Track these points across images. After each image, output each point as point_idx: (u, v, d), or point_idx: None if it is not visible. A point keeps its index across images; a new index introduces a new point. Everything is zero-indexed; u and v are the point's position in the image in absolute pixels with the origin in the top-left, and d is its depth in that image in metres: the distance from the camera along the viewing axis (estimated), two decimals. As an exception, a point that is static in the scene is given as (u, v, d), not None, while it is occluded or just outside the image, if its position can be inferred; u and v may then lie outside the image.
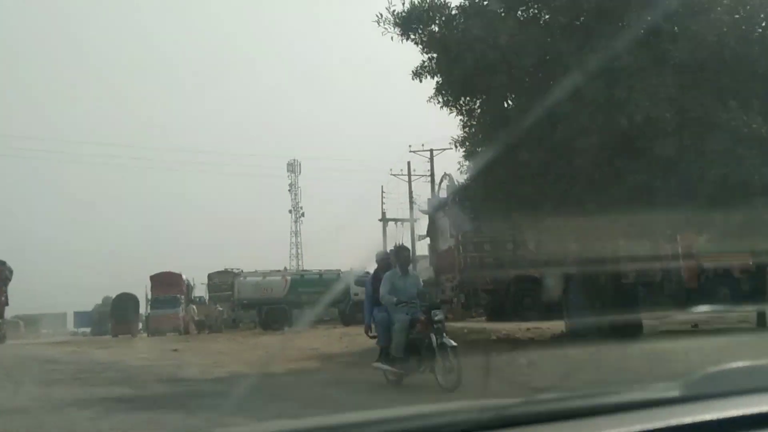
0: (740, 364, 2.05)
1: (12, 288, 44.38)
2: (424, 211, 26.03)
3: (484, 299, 23.27)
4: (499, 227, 20.87)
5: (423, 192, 50.14)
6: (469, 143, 14.85)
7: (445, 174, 25.47)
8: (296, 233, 75.14)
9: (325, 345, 16.95)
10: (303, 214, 74.79)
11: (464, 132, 15.15)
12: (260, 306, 34.15)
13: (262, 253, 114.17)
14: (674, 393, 1.94)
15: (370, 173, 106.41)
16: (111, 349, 20.93)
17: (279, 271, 35.17)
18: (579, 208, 12.83)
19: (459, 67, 13.17)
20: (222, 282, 57.31)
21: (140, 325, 53.37)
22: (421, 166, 47.93)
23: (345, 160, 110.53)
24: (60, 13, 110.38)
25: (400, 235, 45.19)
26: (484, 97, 14.11)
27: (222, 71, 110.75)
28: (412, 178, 45.04)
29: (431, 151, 41.48)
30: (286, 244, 74.07)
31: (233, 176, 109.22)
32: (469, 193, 15.25)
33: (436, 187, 25.90)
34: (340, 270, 36.58)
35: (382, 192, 45.58)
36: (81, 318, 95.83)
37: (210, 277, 57.83)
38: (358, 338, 17.66)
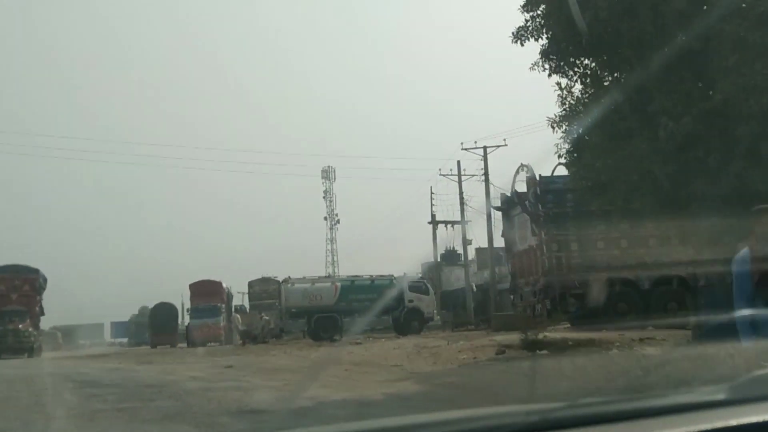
0: None
1: (48, 298, 42.76)
2: (497, 208, 23.38)
3: (572, 304, 20.53)
4: (593, 222, 18.29)
5: (474, 192, 47.53)
6: (583, 115, 12.28)
7: (523, 165, 22.84)
8: (332, 240, 74.87)
9: (406, 361, 14.41)
10: (338, 221, 74.46)
11: (573, 104, 12.62)
12: (309, 314, 31.78)
13: (296, 260, 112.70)
14: (720, 396, 1.94)
15: (411, 174, 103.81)
16: (155, 364, 18.59)
17: (328, 277, 32.82)
18: (738, 189, 10.20)
19: (587, 15, 10.59)
20: (263, 290, 55.26)
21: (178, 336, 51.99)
22: (471, 164, 45.31)
23: (385, 159, 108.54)
24: (96, 12, 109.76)
25: (451, 239, 42.71)
26: (614, 53, 11.49)
27: (263, 72, 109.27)
28: (462, 178, 42.56)
29: (485, 148, 38.94)
30: (321, 252, 73.18)
31: (269, 178, 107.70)
32: (585, 175, 12.63)
33: (512, 179, 23.19)
34: (392, 275, 34.11)
35: (432, 193, 43.04)
36: (118, 328, 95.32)
37: (250, 284, 55.83)
38: (440, 352, 15.15)
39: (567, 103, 12.81)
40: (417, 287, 33.45)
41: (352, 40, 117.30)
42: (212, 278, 53.39)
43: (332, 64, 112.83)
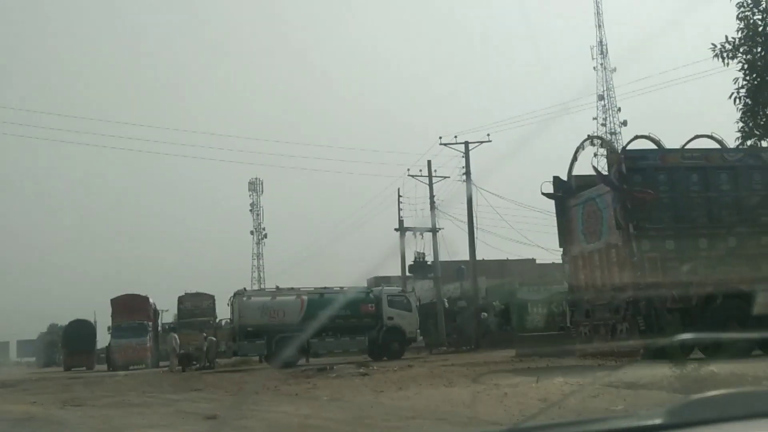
0: (723, 391, 2.08)
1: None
2: (549, 195, 18.02)
3: (671, 322, 15.00)
4: (697, 211, 13.64)
5: (444, 194, 42.82)
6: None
7: (590, 136, 18.03)
8: (258, 255, 71.36)
9: (466, 405, 9.41)
10: (266, 236, 71.09)
11: None
12: (269, 334, 26.13)
13: (219, 276, 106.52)
14: (658, 420, 1.96)
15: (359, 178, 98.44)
16: (87, 408, 12.91)
17: (291, 289, 27.21)
18: None
19: None
20: (195, 306, 49.10)
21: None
22: (442, 163, 40.55)
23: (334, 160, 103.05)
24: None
25: (420, 246, 37.80)
26: None
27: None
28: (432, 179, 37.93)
29: (466, 144, 34.40)
30: (247, 268, 69.76)
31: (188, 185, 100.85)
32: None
33: (573, 156, 18.12)
34: (369, 288, 28.90)
35: (399, 197, 38.07)
36: (25, 347, 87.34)
37: (181, 300, 49.72)
38: (548, 397, 10.18)
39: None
40: (398, 302, 28.26)
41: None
42: (137, 293, 47.40)
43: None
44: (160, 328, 51.27)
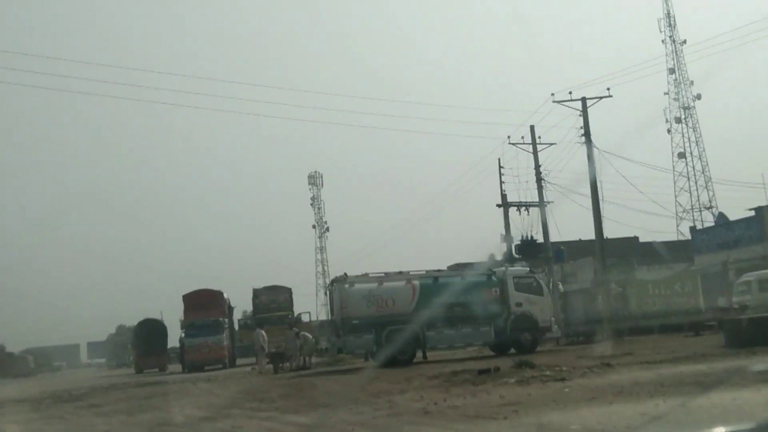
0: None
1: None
2: None
3: None
4: None
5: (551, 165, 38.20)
6: None
7: None
8: (321, 249, 70.09)
9: None
10: (328, 229, 69.95)
11: None
12: (377, 327, 21.84)
13: (284, 270, 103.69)
14: None
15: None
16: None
17: (399, 273, 22.76)
18: None
19: None
20: (271, 300, 45.47)
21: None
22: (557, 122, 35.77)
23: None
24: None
25: (528, 225, 33.05)
26: None
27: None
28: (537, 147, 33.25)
29: (584, 100, 29.66)
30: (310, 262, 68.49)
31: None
32: None
33: None
34: (490, 269, 24.28)
35: (500, 167, 33.41)
36: (95, 348, 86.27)
37: (256, 294, 46.15)
38: None
39: None
40: (526, 285, 23.70)
41: None
42: (211, 288, 43.97)
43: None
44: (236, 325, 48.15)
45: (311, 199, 70.17)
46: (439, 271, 24.08)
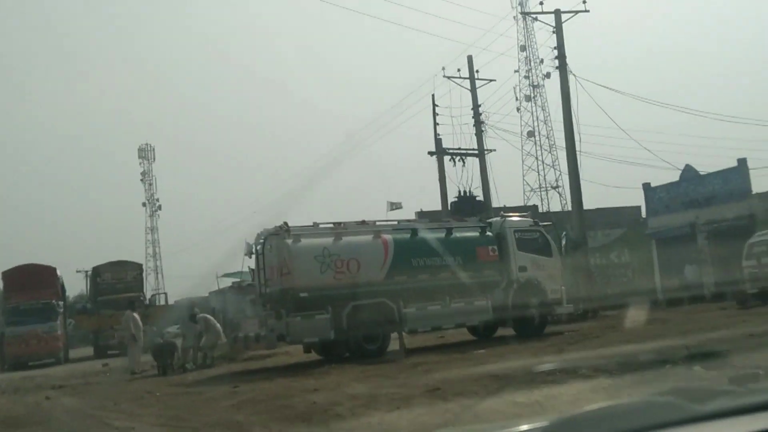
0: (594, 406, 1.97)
1: None
2: None
3: None
4: None
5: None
6: None
7: None
8: (153, 229, 64.00)
9: None
10: (160, 207, 64.02)
11: None
12: (334, 302, 14.38)
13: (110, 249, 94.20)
14: None
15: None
16: None
17: (362, 222, 15.28)
18: None
19: None
20: (117, 279, 37.04)
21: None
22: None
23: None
24: None
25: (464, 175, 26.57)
26: None
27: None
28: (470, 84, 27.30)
29: (557, 12, 23.70)
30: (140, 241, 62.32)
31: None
32: None
33: None
34: (485, 222, 17.31)
35: (434, 107, 26.68)
36: None
37: (97, 271, 37.79)
38: None
39: None
40: (530, 242, 16.97)
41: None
42: (40, 263, 34.95)
43: None
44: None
45: (141, 174, 63.88)
46: (415, 221, 16.99)
